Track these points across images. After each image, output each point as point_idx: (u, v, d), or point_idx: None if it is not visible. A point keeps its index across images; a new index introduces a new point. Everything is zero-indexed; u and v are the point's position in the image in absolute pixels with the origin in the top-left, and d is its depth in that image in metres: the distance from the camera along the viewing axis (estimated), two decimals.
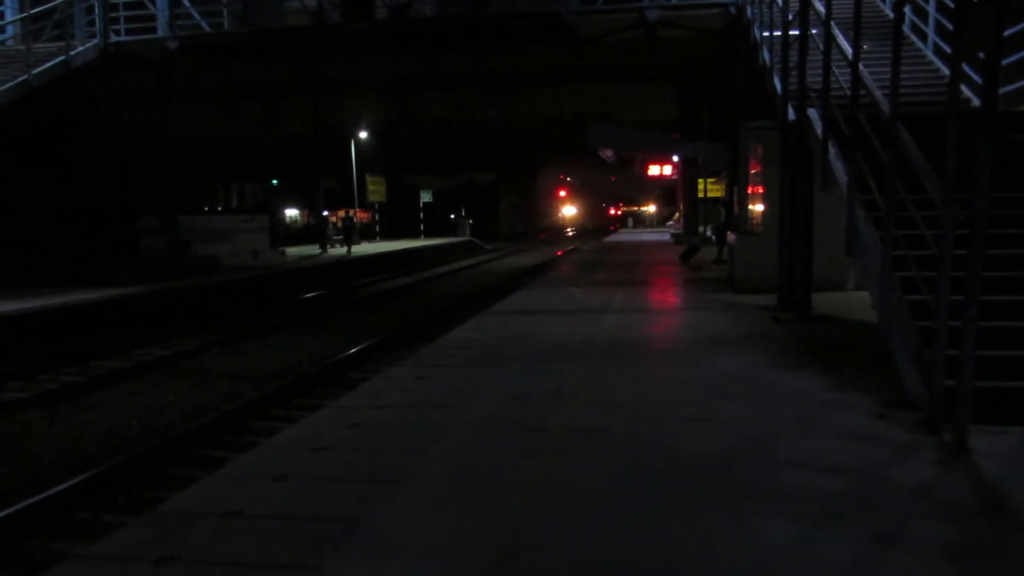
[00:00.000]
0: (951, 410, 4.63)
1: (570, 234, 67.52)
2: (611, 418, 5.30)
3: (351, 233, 29.19)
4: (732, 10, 15.62)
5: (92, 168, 17.78)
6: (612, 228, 70.41)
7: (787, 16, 9.78)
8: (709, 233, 25.20)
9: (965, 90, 9.12)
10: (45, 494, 5.85)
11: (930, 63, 10.34)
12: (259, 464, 4.61)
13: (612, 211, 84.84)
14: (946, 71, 8.96)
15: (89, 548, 3.79)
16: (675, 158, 32.47)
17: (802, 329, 8.80)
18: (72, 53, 16.52)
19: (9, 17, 17.88)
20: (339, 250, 27.60)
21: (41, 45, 16.62)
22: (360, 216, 38.96)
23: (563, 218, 74.48)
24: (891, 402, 5.43)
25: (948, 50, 9.02)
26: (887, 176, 5.65)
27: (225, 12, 18.28)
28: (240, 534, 3.56)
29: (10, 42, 17.94)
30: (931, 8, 10.26)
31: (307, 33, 18.32)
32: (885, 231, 5.71)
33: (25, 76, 15.28)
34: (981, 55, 4.48)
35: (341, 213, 42.79)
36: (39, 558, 5.08)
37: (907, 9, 10.95)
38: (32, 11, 16.70)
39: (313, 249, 30.13)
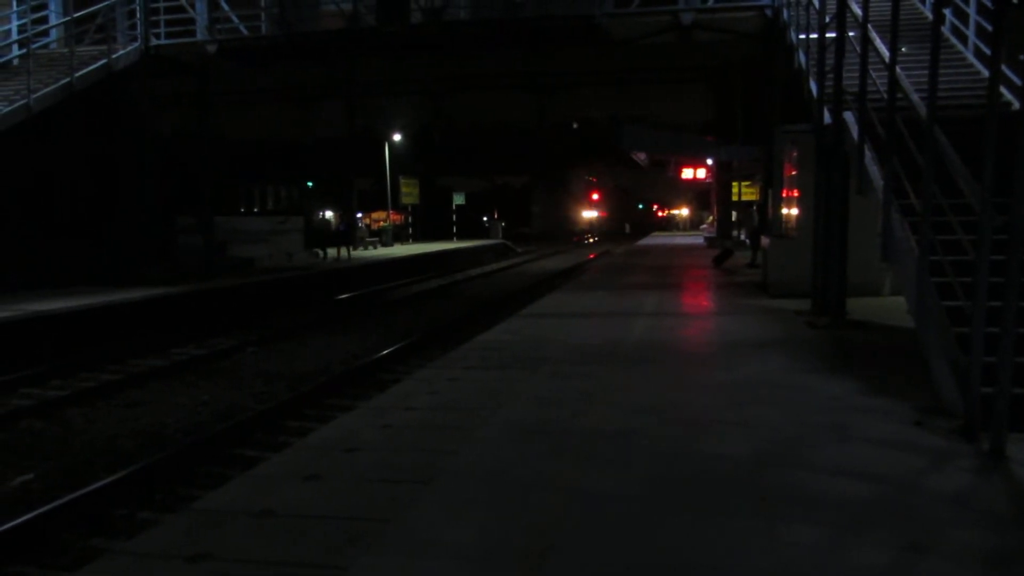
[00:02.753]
0: (989, 417, 4.56)
1: (602, 238, 67.30)
2: (641, 422, 5.29)
3: (351, 237, 26.98)
4: (768, 13, 15.50)
5: (132, 169, 18.10)
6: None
7: (824, 19, 9.69)
8: (743, 237, 25.02)
9: (1006, 93, 8.96)
10: (84, 490, 5.96)
11: (970, 65, 10.17)
12: (291, 464, 4.67)
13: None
14: (986, 73, 8.82)
15: (126, 544, 3.86)
16: (709, 161, 32.31)
17: (836, 334, 8.70)
18: (114, 56, 16.83)
19: (53, 21, 18.24)
20: (345, 254, 26.76)
21: (84, 48, 16.96)
22: (394, 218, 39.17)
23: (595, 220, 74.24)
24: (927, 409, 5.36)
25: (988, 52, 8.87)
26: (924, 180, 5.57)
27: (263, 16, 18.52)
28: (272, 533, 3.61)
29: (54, 45, 18.30)
30: (971, 10, 10.10)
31: (343, 36, 18.51)
32: (922, 236, 5.64)
33: (68, 79, 15.61)
34: (1022, 57, 4.41)
35: (375, 215, 43.09)
36: (79, 553, 5.18)
37: (947, 11, 10.79)
38: (76, 14, 17.03)
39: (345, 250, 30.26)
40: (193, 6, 17.90)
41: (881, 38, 7.53)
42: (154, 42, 17.89)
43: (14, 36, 17.57)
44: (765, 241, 14.07)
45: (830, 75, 9.20)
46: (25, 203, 16.84)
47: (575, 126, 38.21)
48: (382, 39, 18.40)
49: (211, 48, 18.11)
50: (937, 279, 5.64)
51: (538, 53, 21.97)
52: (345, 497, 4.05)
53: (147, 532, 3.98)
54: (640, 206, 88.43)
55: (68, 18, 17.22)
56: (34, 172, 16.88)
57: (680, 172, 37.17)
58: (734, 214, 30.03)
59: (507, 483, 4.20)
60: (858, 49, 7.78)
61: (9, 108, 14.28)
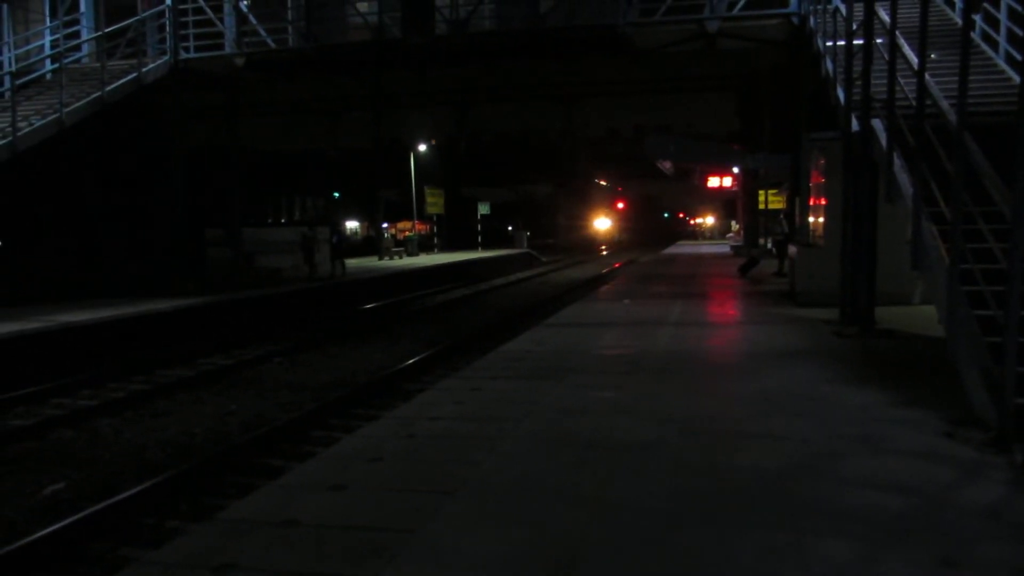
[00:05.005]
0: (1022, 429, 4.47)
1: (627, 247, 67.09)
2: (667, 433, 5.25)
3: (312, 253, 22.74)
4: (795, 20, 15.40)
5: (162, 181, 18.32)
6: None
7: (851, 25, 9.61)
8: (770, 246, 24.81)
9: None
10: (112, 500, 6.01)
11: (1001, 71, 10.03)
12: (316, 473, 4.68)
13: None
14: (1017, 79, 8.69)
15: (153, 553, 3.89)
16: (735, 170, 32.14)
17: (865, 344, 8.60)
18: (144, 70, 17.07)
19: (85, 36, 18.53)
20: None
21: (115, 62, 17.20)
22: (419, 228, 39.34)
23: (617, 229, 73.98)
24: (958, 420, 5.27)
25: (1020, 58, 8.75)
26: (954, 187, 5.50)
27: (290, 29, 18.70)
28: (296, 543, 3.62)
29: (86, 60, 18.59)
30: (1002, 15, 9.98)
31: (369, 48, 18.63)
32: (952, 244, 5.56)
33: (99, 93, 15.84)
34: None
35: (401, 225, 43.28)
36: (108, 562, 5.23)
37: (977, 16, 10.66)
38: (107, 29, 17.31)
39: (372, 260, 30.39)
40: (222, 20, 18.12)
41: (909, 44, 7.46)
42: (183, 56, 18.13)
43: (47, 51, 17.91)
44: (792, 250, 13.95)
45: (858, 82, 9.12)
46: (58, 215, 17.13)
47: (600, 135, 38.17)
48: (407, 51, 18.49)
49: (239, 61, 18.31)
50: (968, 288, 5.55)
51: (563, 63, 21.98)
52: (369, 507, 4.05)
53: (174, 541, 4.00)
54: (665, 215, 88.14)
55: (99, 33, 17.50)
56: (67, 185, 17.16)
57: (706, 181, 36.99)
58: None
59: (531, 494, 4.18)
60: (886, 56, 7.70)
61: (42, 122, 14.53)
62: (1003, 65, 10.11)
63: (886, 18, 7.97)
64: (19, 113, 14.33)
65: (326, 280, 21.21)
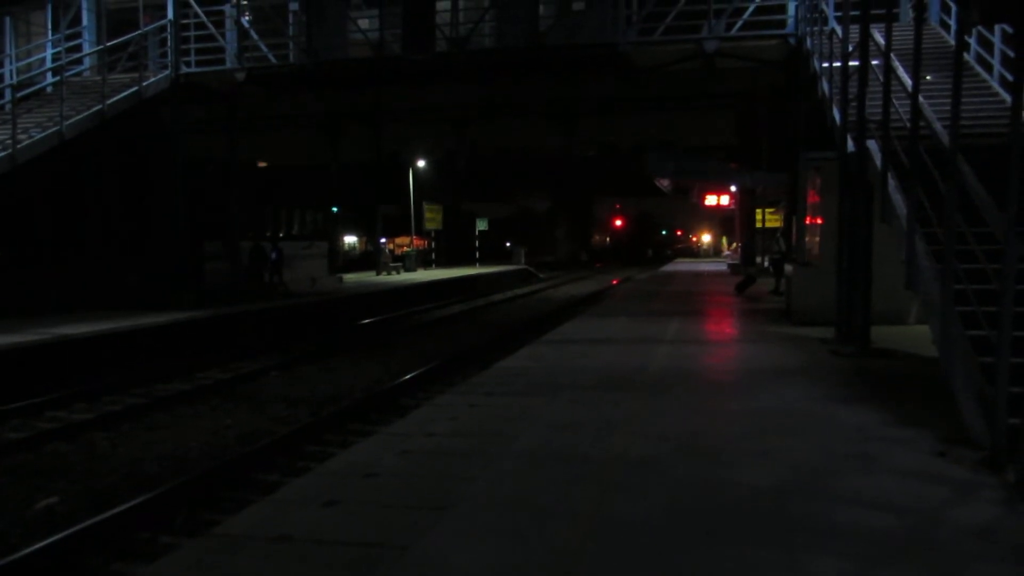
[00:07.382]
0: (1015, 449, 4.49)
1: (623, 264, 67.19)
2: (662, 450, 5.26)
3: (261, 268, 21.44)
4: (791, 41, 15.51)
5: (162, 194, 18.36)
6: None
7: (847, 47, 9.69)
8: (766, 264, 24.87)
9: None
10: (107, 514, 6.00)
11: (996, 94, 10.11)
12: (311, 489, 4.69)
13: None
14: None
15: (147, 569, 3.90)
16: (733, 188, 32.28)
17: (861, 363, 8.62)
18: (145, 84, 17.14)
19: (87, 49, 18.62)
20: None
21: (116, 76, 17.28)
22: (417, 243, 39.42)
23: (614, 246, 74.07)
24: (952, 439, 5.29)
25: (1012, 79, 8.82)
26: (947, 209, 5.54)
27: (291, 44, 18.79)
28: (289, 559, 3.62)
29: (87, 73, 18.67)
30: (996, 38, 10.07)
31: (369, 64, 18.72)
32: (946, 265, 5.60)
33: (100, 106, 15.89)
34: None
35: (399, 240, 43.28)
36: None
37: (972, 39, 10.75)
38: (108, 43, 17.40)
39: (370, 275, 30.40)
40: (223, 35, 18.22)
41: (904, 66, 7.53)
42: (184, 70, 18.21)
43: (48, 64, 17.99)
44: (789, 268, 14.00)
45: (853, 103, 9.20)
46: (59, 228, 17.15)
47: (599, 153, 38.39)
48: (408, 67, 18.58)
49: (240, 76, 18.39)
50: (961, 308, 5.58)
51: (562, 81, 22.09)
52: (363, 523, 4.06)
53: (168, 556, 4.00)
54: (663, 232, 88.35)
55: (101, 47, 17.58)
56: (67, 197, 17.19)
57: (703, 199, 37.16)
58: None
59: (526, 511, 4.19)
60: (881, 78, 7.77)
61: (42, 134, 14.58)
62: (997, 87, 10.20)
63: (881, 40, 8.04)
64: (19, 125, 14.37)
65: (272, 296, 20.52)
